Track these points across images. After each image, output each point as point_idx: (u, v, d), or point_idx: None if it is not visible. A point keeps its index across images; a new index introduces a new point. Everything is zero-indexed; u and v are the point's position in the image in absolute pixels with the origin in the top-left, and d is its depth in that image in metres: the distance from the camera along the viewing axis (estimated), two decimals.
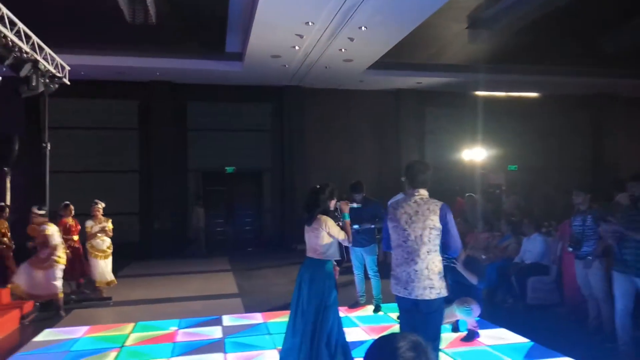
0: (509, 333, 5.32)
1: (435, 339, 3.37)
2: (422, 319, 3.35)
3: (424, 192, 3.35)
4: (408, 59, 11.60)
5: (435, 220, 3.20)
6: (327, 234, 3.95)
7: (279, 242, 12.62)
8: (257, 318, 6.14)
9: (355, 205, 5.33)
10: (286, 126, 13.00)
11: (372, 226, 6.16)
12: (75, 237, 7.46)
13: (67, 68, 7.86)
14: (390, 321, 5.82)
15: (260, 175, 13.25)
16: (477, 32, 9.77)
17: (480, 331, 5.21)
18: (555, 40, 10.40)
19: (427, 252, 3.21)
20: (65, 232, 7.22)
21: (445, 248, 3.27)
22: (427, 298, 3.19)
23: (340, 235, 4.01)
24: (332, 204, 4.16)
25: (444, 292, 3.25)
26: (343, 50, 9.81)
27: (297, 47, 9.61)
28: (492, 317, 5.82)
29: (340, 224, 4.12)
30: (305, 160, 12.98)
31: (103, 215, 7.49)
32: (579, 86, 13.58)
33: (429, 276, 3.19)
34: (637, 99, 14.65)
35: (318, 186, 4.14)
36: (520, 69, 12.22)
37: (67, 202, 7.59)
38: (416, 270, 3.21)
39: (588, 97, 14.51)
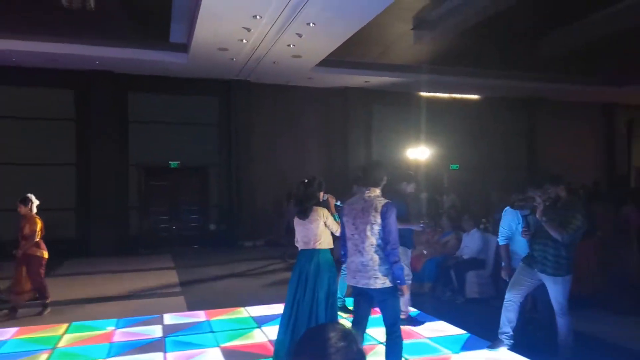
0: (448, 325, 5.52)
1: (393, 324, 3.60)
2: (379, 307, 3.61)
3: (375, 190, 3.59)
4: (356, 58, 11.73)
5: (376, 217, 3.46)
6: (324, 224, 4.13)
7: (225, 238, 12.39)
8: (200, 316, 6.02)
9: (338, 203, 4.70)
10: (233, 121, 12.78)
11: None
12: None
13: None
14: None
15: (206, 171, 12.96)
16: (421, 33, 10.04)
17: (421, 325, 5.36)
18: (495, 44, 10.86)
19: (371, 245, 3.48)
20: None
21: (384, 242, 3.48)
22: (372, 287, 3.49)
23: (334, 226, 4.19)
24: (320, 195, 4.30)
25: (388, 283, 3.48)
26: (291, 45, 9.77)
27: (244, 41, 9.47)
28: (432, 310, 6.02)
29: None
30: (252, 156, 12.83)
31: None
32: (514, 89, 14.27)
33: (374, 267, 3.48)
34: (565, 103, 15.60)
35: (306, 180, 4.28)
36: (461, 71, 12.68)
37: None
38: (362, 262, 3.52)
39: (523, 100, 15.30)
